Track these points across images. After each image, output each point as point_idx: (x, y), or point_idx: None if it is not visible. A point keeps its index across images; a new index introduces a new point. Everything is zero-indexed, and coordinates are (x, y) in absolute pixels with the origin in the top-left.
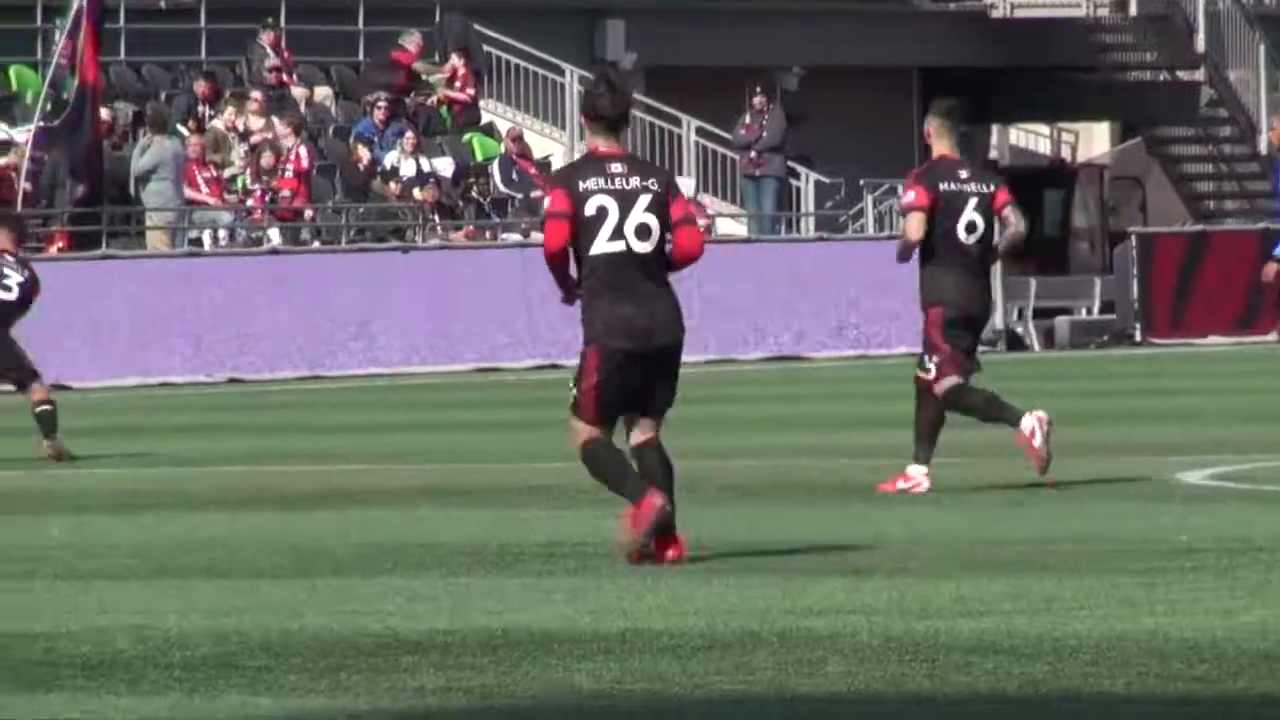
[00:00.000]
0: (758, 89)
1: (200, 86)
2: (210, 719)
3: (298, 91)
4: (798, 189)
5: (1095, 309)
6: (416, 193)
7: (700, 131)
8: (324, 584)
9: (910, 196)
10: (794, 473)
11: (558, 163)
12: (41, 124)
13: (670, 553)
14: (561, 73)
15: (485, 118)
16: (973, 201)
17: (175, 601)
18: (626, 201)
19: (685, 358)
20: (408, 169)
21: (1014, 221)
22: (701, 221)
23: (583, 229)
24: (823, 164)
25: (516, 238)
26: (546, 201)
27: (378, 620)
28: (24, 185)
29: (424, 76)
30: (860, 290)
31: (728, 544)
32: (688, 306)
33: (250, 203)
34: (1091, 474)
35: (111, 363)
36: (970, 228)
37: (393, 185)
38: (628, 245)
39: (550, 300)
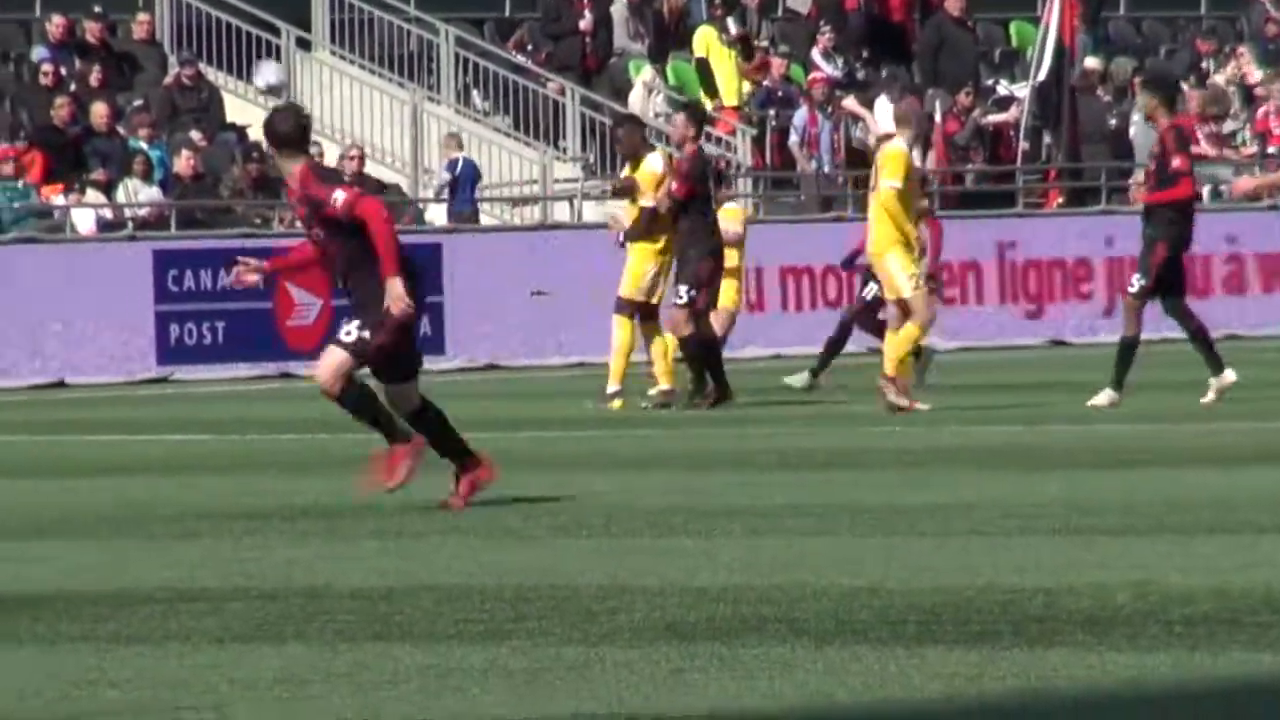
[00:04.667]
0: None
1: (1201, 43)
2: (1211, 676)
3: None
4: None
5: None
6: None
7: None
8: None
9: None
10: None
11: None
12: (1037, 80)
13: None
14: None
15: None
16: None
17: (1175, 558)
18: None
19: None
20: None
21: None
22: None
23: None
24: None
25: None
26: None
27: None
28: (1023, 144)
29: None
30: None
31: None
32: None
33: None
34: None
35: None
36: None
37: None
38: None
39: None
